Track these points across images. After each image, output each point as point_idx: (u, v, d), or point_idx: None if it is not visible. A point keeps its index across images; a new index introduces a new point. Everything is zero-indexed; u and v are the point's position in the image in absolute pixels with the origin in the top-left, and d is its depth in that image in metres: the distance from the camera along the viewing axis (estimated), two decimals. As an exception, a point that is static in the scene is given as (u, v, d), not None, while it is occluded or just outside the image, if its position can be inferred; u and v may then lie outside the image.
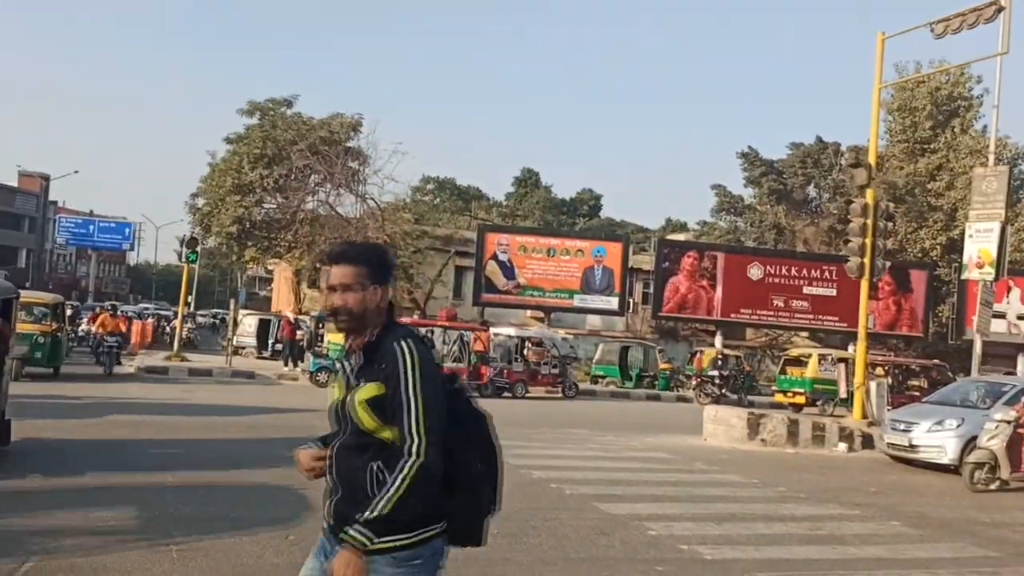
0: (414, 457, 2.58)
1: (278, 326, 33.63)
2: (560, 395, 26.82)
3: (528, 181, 77.64)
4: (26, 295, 20.64)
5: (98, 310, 29.75)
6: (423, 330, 19.03)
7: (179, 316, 30.93)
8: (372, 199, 36.71)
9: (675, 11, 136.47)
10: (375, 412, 2.67)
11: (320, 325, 27.89)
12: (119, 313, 27.16)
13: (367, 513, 2.59)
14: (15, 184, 72.71)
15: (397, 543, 2.62)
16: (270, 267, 54.34)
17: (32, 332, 19.00)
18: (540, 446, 13.57)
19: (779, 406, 26.06)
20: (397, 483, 2.58)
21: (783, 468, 13.35)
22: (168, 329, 37.85)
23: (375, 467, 2.66)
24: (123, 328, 26.44)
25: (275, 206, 37.77)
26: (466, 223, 58.03)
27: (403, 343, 2.70)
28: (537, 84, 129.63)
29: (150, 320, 38.90)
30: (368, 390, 2.69)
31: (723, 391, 28.38)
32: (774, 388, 30.64)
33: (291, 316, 33.78)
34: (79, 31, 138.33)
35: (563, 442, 14.75)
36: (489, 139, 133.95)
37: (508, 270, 36.57)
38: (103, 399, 16.35)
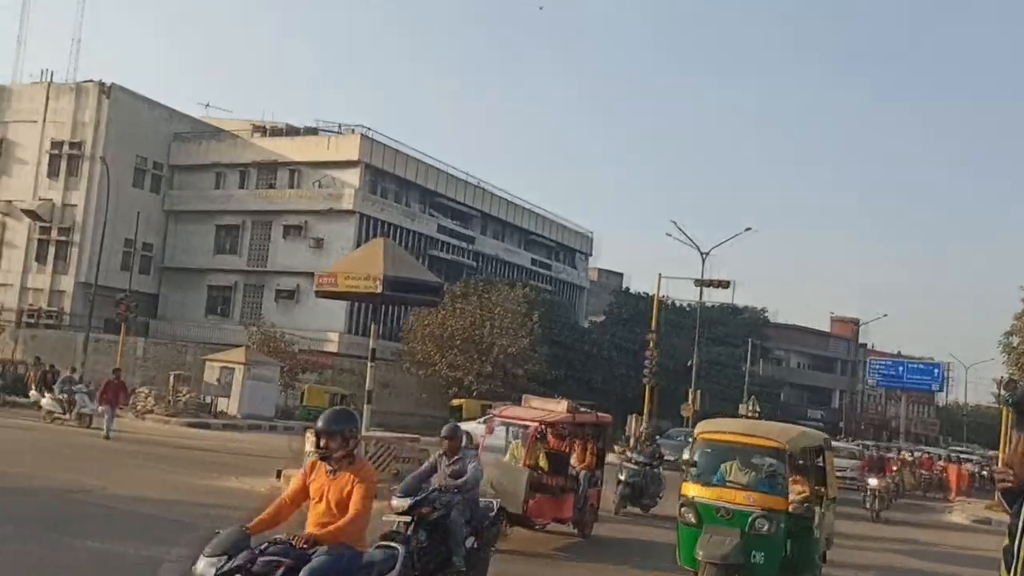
0: None
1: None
2: None
3: None
4: (731, 428, 10.48)
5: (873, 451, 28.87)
6: None
7: (999, 462, 28.85)
8: None
9: None
10: None
11: None
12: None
13: None
14: (828, 329, 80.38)
15: None
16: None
17: (747, 509, 9.14)
18: None
19: None
20: None
21: None
22: (983, 473, 35.48)
23: None
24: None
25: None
26: None
27: None
28: None
29: (965, 465, 37.04)
30: None
31: None
32: None
33: None
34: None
35: None
36: None
37: None
38: None
